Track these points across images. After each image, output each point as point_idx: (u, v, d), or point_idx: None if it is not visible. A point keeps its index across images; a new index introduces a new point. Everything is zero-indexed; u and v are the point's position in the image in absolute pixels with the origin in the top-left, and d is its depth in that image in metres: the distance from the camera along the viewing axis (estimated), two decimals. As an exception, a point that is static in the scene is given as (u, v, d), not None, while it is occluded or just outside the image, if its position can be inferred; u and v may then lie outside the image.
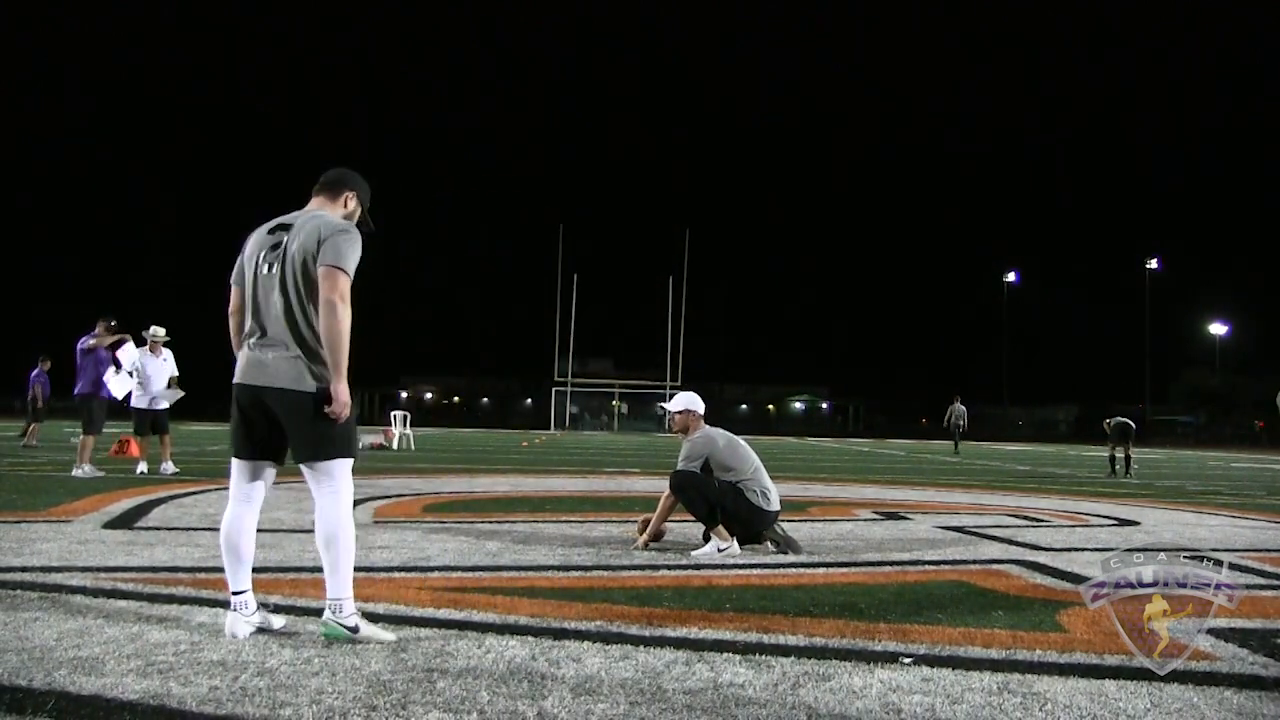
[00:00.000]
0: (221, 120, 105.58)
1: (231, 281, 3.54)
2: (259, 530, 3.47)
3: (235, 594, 3.36)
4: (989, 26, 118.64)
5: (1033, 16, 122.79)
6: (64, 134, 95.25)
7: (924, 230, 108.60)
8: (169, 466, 10.86)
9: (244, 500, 3.42)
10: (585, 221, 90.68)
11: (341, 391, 3.26)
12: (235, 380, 3.41)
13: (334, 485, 3.34)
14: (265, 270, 3.38)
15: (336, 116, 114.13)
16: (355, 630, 3.25)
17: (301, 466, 3.36)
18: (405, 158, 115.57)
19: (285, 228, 3.41)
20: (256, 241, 3.46)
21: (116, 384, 10.72)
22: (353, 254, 3.34)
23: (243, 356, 3.42)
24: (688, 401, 5.99)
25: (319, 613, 3.65)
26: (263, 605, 3.50)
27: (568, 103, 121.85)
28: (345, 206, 3.61)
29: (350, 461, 3.40)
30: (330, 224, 3.39)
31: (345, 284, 3.27)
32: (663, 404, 6.19)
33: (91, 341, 10.54)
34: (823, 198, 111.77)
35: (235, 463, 3.46)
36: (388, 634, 3.31)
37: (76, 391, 10.68)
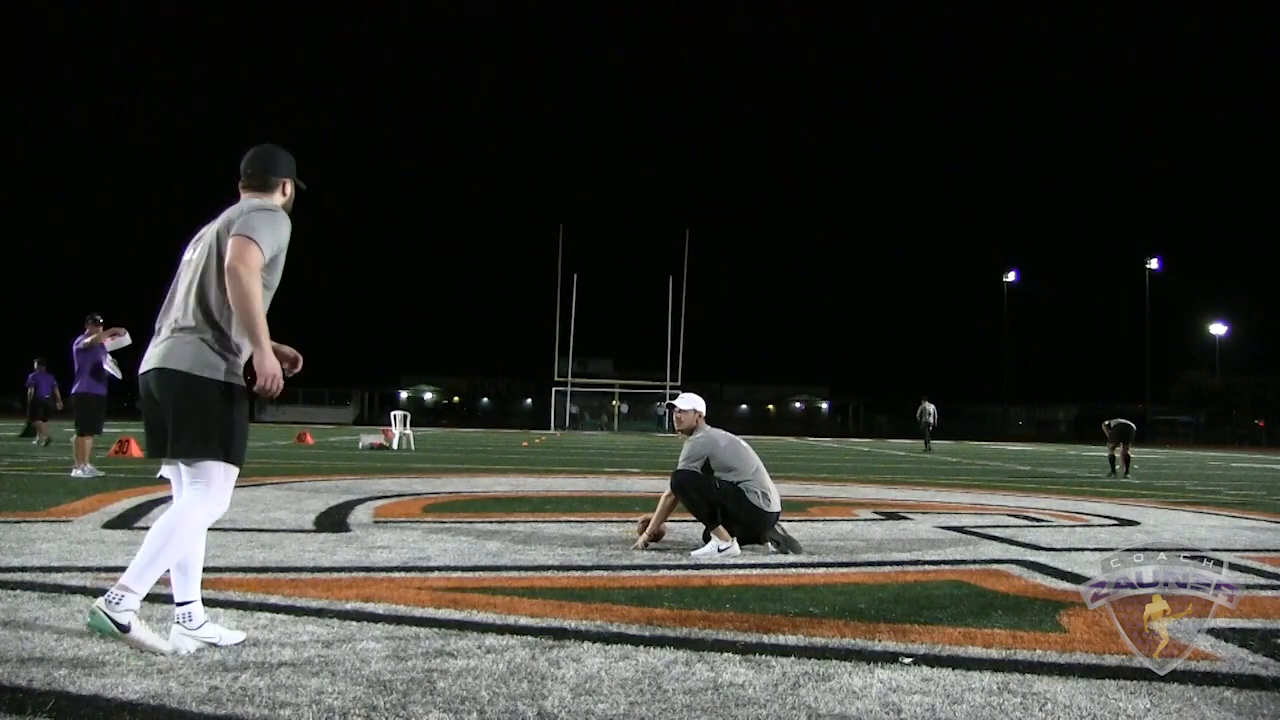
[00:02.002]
0: (221, 120, 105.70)
1: None
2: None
3: (179, 605, 3.12)
4: (989, 25, 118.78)
5: (1033, 15, 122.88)
6: (63, 134, 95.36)
7: (924, 230, 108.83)
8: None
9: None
10: (585, 221, 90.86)
11: (265, 364, 3.01)
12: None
13: (207, 485, 3.08)
14: (185, 260, 3.22)
15: (337, 117, 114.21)
16: (213, 640, 3.06)
17: (179, 464, 3.12)
18: (406, 158, 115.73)
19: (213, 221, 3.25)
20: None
21: (112, 364, 10.68)
22: (268, 229, 3.09)
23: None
24: (696, 402, 6.02)
25: (319, 613, 3.66)
26: (211, 619, 3.24)
27: (568, 103, 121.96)
28: (284, 194, 3.36)
29: (224, 466, 3.09)
30: (253, 204, 3.20)
31: (251, 253, 3.02)
32: (670, 401, 6.18)
33: (88, 340, 10.53)
34: (823, 197, 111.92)
35: (162, 467, 3.19)
36: (235, 634, 3.14)
37: (74, 390, 10.68)
